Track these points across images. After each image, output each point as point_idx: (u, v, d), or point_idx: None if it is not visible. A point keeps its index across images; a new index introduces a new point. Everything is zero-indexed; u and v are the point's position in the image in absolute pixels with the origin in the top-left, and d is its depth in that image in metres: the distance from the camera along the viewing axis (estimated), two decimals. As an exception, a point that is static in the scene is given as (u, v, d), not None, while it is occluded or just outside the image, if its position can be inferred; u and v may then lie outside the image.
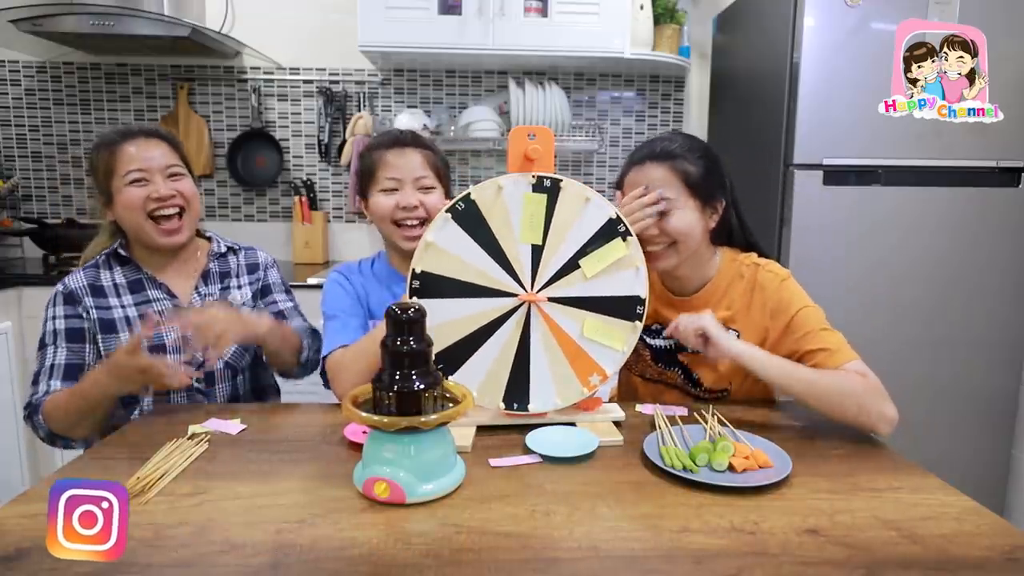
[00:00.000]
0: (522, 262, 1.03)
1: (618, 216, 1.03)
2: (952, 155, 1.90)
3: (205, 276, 1.33)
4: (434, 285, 1.02)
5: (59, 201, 2.61)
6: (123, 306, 1.25)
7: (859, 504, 0.82)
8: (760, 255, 1.22)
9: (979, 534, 0.76)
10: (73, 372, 1.19)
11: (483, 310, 1.03)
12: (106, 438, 1.04)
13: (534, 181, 1.02)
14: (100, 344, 1.22)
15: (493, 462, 0.93)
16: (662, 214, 1.12)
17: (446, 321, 1.02)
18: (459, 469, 0.87)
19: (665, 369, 1.26)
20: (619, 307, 1.05)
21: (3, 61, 2.52)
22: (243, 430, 1.04)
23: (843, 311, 1.92)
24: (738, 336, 1.16)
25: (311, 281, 2.15)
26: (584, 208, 1.03)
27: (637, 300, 1.04)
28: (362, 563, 0.69)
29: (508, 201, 1.02)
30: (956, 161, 1.90)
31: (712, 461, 0.90)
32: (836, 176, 1.89)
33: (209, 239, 1.39)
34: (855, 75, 1.83)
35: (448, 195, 1.28)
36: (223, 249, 1.38)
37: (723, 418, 1.05)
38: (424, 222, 1.22)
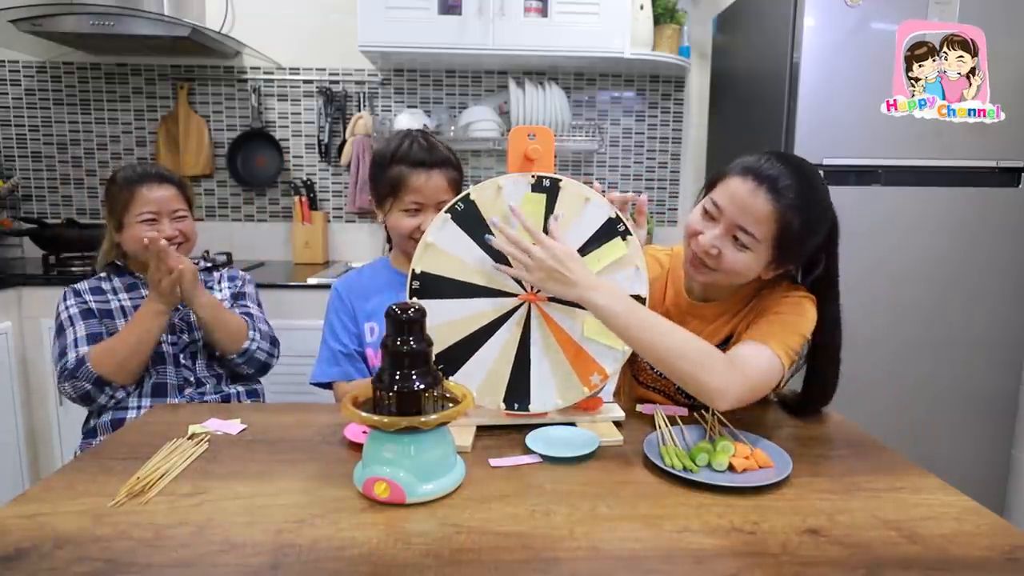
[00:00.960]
0: None
1: (617, 216, 1.03)
2: (952, 155, 1.90)
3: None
4: (434, 286, 1.02)
5: (59, 201, 2.61)
6: (119, 299, 1.44)
7: (859, 504, 0.82)
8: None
9: (979, 534, 0.76)
10: (95, 339, 1.36)
11: (483, 310, 1.03)
12: (106, 438, 1.04)
13: (533, 181, 1.02)
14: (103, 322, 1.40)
15: (493, 462, 0.93)
16: (735, 241, 1.03)
17: (446, 322, 1.02)
18: (459, 469, 0.87)
19: (660, 376, 1.23)
20: None
21: (3, 61, 2.52)
22: (243, 430, 1.05)
23: (843, 311, 1.93)
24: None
25: (311, 281, 2.15)
26: (584, 208, 1.03)
27: (637, 299, 1.04)
28: (362, 563, 0.69)
29: (508, 201, 1.02)
30: (956, 161, 1.90)
31: (712, 461, 0.90)
32: (836, 176, 1.89)
33: (196, 263, 1.53)
34: (855, 75, 1.83)
35: None
36: (208, 266, 1.58)
37: (723, 418, 1.05)
38: None
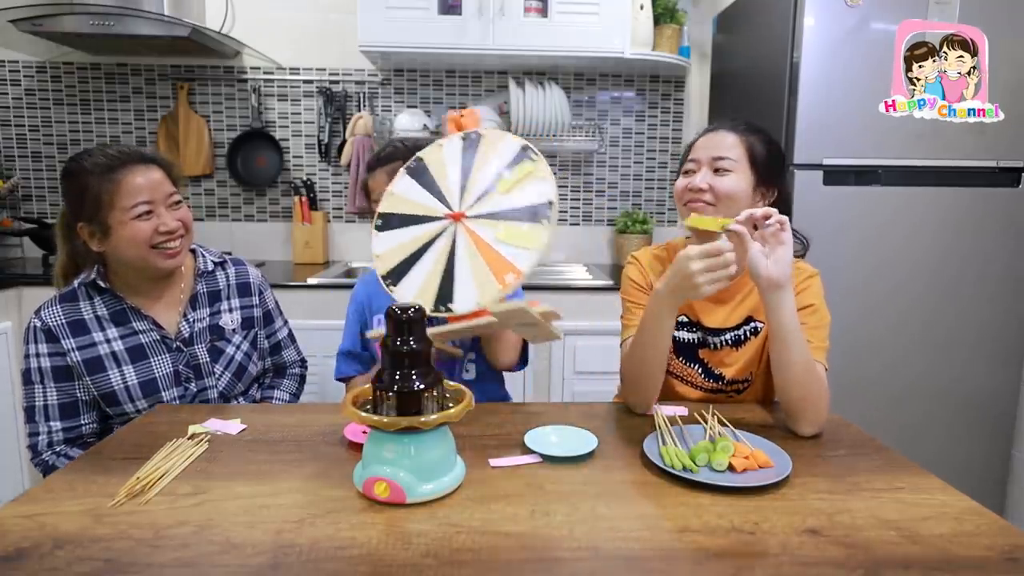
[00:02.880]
0: (453, 193, 1.20)
1: (528, 145, 1.17)
2: (952, 155, 1.89)
3: (193, 300, 1.28)
4: (389, 221, 1.22)
5: (59, 201, 2.59)
6: (108, 340, 1.20)
7: (859, 504, 0.82)
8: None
9: (979, 534, 0.76)
10: (68, 410, 1.18)
11: (421, 234, 1.20)
12: (106, 438, 1.04)
13: (463, 136, 1.23)
14: (90, 382, 1.18)
15: (493, 462, 0.93)
16: (717, 171, 1.17)
17: (395, 246, 1.19)
18: (459, 469, 0.87)
19: (685, 364, 1.25)
20: (530, 212, 1.15)
21: (3, 61, 2.52)
22: (243, 430, 1.05)
23: (843, 311, 1.93)
24: (757, 329, 1.20)
25: (311, 281, 2.15)
26: (501, 143, 1.20)
27: (546, 204, 1.13)
28: (362, 563, 0.69)
29: (445, 154, 1.23)
30: (956, 161, 1.90)
31: (712, 461, 0.90)
32: (836, 176, 1.89)
33: (193, 252, 1.33)
34: (855, 75, 1.83)
35: None
36: (210, 267, 1.32)
37: (723, 418, 1.06)
38: None
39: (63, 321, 1.18)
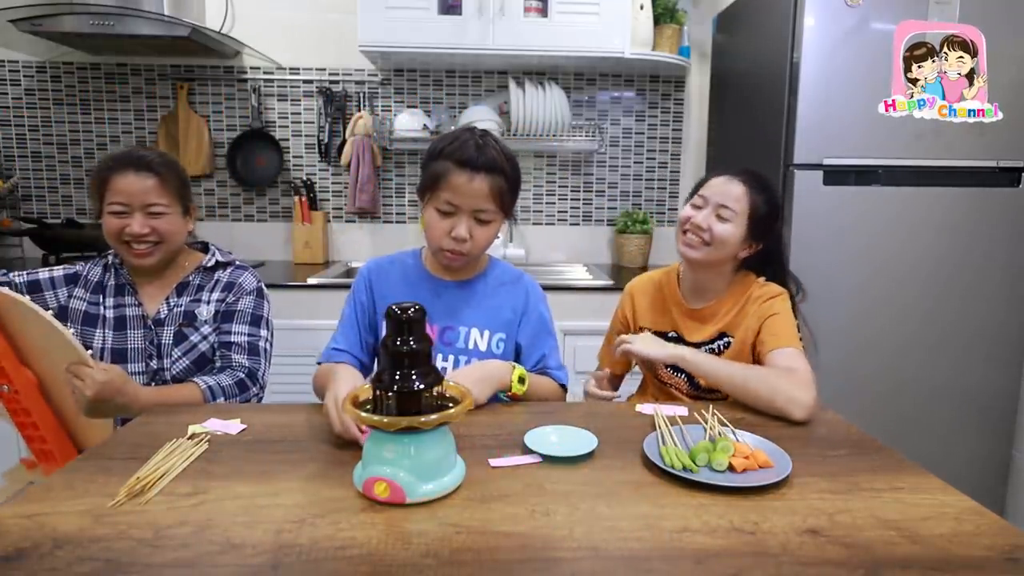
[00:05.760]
0: None
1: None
2: (952, 155, 1.89)
3: (181, 288, 1.36)
4: None
5: (59, 201, 2.61)
6: (106, 307, 1.34)
7: (859, 504, 0.82)
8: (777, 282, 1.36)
9: (979, 534, 0.76)
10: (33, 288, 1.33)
11: None
12: (106, 438, 1.04)
13: None
14: (79, 332, 1.32)
15: (493, 462, 0.93)
16: (720, 217, 1.28)
17: None
18: (459, 469, 0.87)
19: (674, 374, 1.36)
20: None
21: (3, 61, 2.52)
22: (243, 430, 1.05)
23: (843, 311, 1.94)
24: (729, 343, 1.31)
25: (311, 281, 2.15)
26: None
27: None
28: (362, 563, 0.69)
29: None
30: (956, 161, 1.90)
31: (712, 461, 0.90)
32: (836, 176, 1.89)
33: (206, 250, 1.42)
34: (855, 75, 1.83)
35: (510, 214, 1.23)
36: (211, 263, 1.39)
37: (723, 418, 1.06)
38: (469, 253, 1.20)
39: (89, 279, 1.36)
